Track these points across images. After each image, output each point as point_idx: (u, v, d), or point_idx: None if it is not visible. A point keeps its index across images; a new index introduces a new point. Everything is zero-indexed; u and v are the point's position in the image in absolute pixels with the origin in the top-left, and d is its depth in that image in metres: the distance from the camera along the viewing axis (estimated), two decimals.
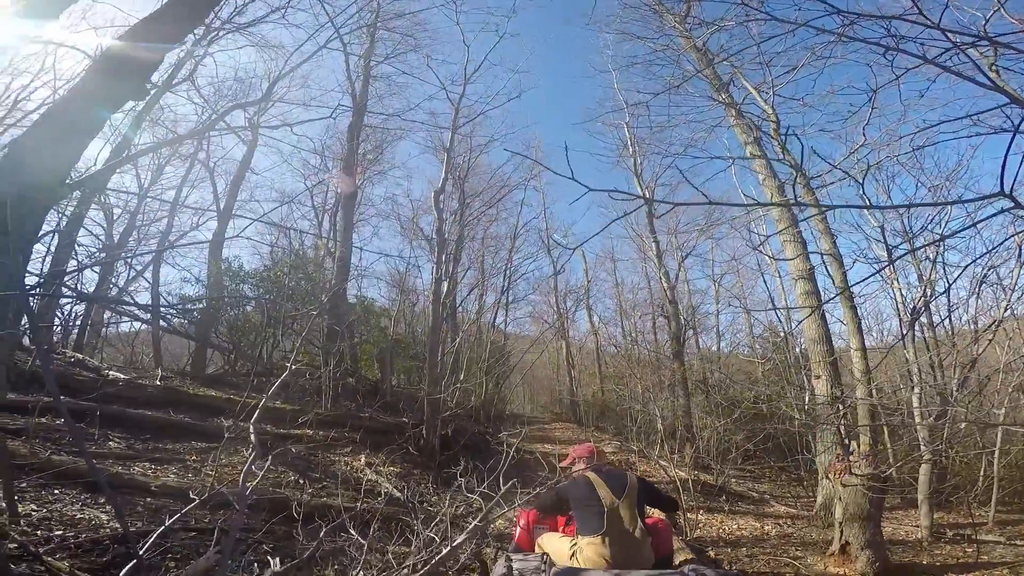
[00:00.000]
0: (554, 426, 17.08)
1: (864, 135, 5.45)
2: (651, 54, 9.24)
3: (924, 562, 5.30)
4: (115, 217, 11.25)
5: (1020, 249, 6.91)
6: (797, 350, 13.28)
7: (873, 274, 7.78)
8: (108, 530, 2.85)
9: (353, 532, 3.68)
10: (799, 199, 7.93)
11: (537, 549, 3.22)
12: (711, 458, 9.45)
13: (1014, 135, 1.94)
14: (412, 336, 14.25)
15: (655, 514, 3.33)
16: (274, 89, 10.25)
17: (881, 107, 5.13)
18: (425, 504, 5.48)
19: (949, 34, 2.33)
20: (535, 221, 21.04)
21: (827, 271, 8.26)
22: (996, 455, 6.87)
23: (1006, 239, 6.39)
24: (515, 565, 2.65)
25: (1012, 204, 1.88)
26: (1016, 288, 7.02)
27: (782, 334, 14.42)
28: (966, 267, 2.70)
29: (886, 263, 8.55)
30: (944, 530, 6.35)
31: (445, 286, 12.15)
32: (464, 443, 8.46)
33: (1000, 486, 6.82)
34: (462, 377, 10.95)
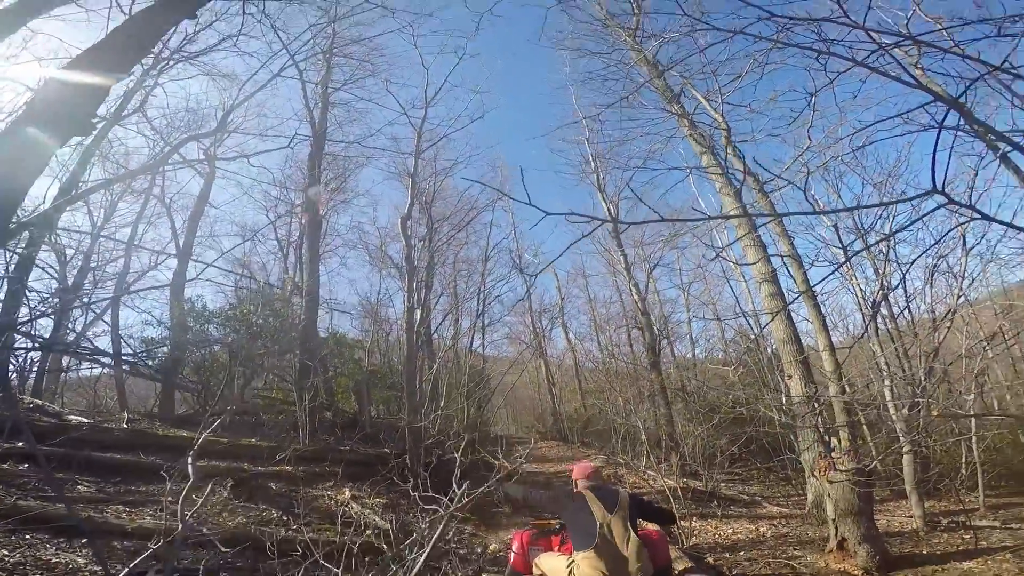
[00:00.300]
0: (540, 445, 16.89)
1: (809, 138, 5.72)
2: (605, 69, 9.56)
3: (924, 552, 5.32)
4: (68, 258, 10.69)
5: (963, 239, 7.35)
6: (769, 351, 13.58)
7: (830, 273, 8.12)
8: (86, 573, 2.66)
9: (331, 567, 3.52)
10: (754, 205, 8.26)
11: (535, 570, 3.20)
12: (698, 464, 9.47)
13: (939, 132, 2.07)
14: (388, 366, 13.96)
15: (648, 526, 3.34)
16: (229, 119, 10.12)
17: (822, 109, 5.40)
18: (412, 532, 5.28)
19: (874, 34, 2.50)
20: (506, 242, 21.18)
21: (788, 272, 8.55)
22: (974, 440, 7.04)
23: (950, 230, 6.75)
24: None
25: (946, 200, 1.99)
26: (966, 275, 7.41)
27: (752, 337, 14.75)
28: (915, 260, 2.87)
29: (842, 262, 8.94)
30: (938, 518, 6.41)
31: (418, 314, 12.02)
32: (450, 469, 8.23)
33: (983, 470, 6.97)
34: (442, 403, 10.73)
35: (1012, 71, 2.15)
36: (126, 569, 2.58)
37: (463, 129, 19.96)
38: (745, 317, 14.96)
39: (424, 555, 3.09)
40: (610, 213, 14.03)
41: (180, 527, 2.48)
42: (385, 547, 4.44)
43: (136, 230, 12.59)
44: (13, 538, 2.93)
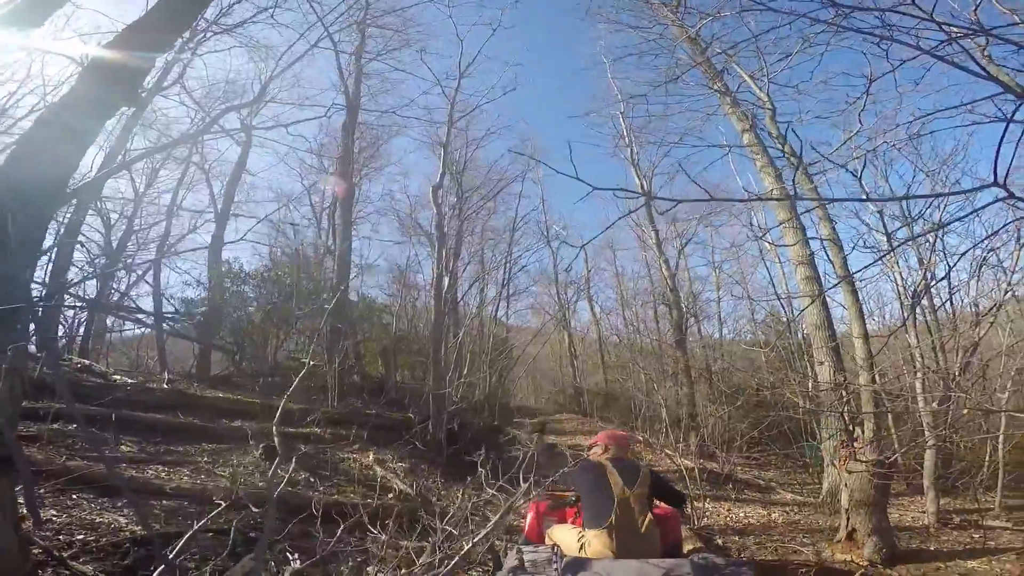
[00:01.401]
0: (559, 417, 17.17)
1: (860, 122, 5.44)
2: (644, 43, 9.20)
3: (931, 548, 5.30)
4: (112, 223, 11.19)
5: (1019, 233, 6.94)
6: (799, 336, 13.31)
7: (874, 262, 7.77)
8: (127, 533, 2.88)
9: (372, 529, 3.72)
10: (797, 187, 7.94)
11: (547, 541, 3.24)
12: (716, 446, 9.49)
13: (1007, 126, 1.95)
14: (414, 332, 14.27)
15: (662, 504, 3.34)
16: (267, 90, 10.21)
17: (875, 94, 5.12)
18: (435, 499, 5.52)
19: (943, 25, 2.34)
20: (534, 213, 21.02)
21: (827, 256, 8.28)
22: (1000, 440, 6.87)
23: (1005, 224, 6.36)
24: (526, 557, 2.61)
25: (1005, 194, 1.89)
26: (1016, 271, 7.04)
27: (784, 320, 14.46)
28: (965, 253, 2.72)
29: (887, 251, 8.56)
30: (951, 516, 6.34)
31: (446, 281, 12.16)
32: (471, 437, 8.51)
33: (1006, 471, 6.82)
34: (466, 371, 10.97)
35: None
36: (192, 528, 2.80)
37: (496, 101, 19.59)
38: (779, 299, 14.64)
39: (481, 536, 3.13)
40: (642, 188, 13.71)
41: (275, 493, 2.56)
42: (422, 513, 4.65)
43: (176, 196, 13.05)
44: (61, 498, 3.16)
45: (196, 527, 2.73)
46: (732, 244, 16.85)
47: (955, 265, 8.00)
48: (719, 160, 11.28)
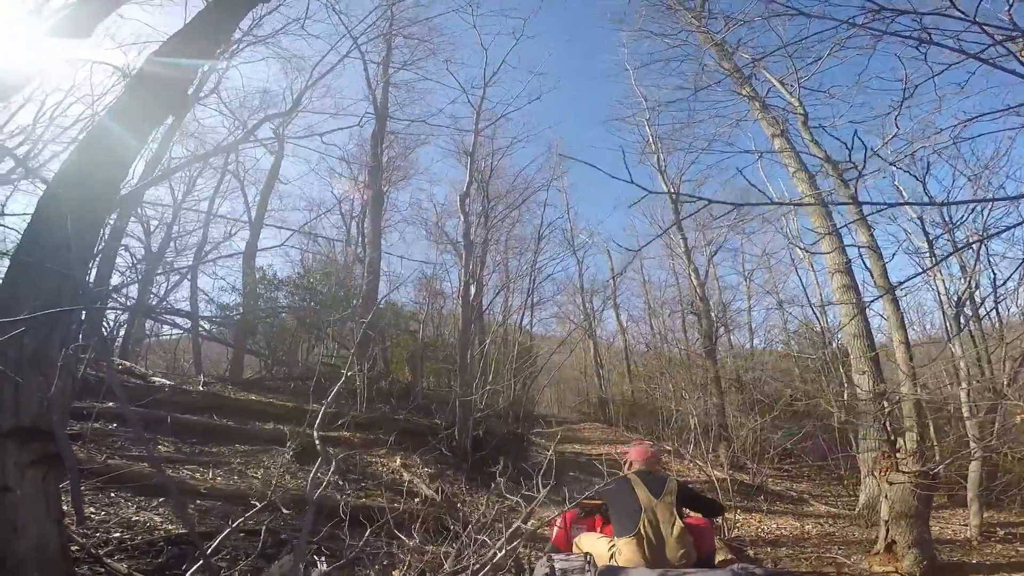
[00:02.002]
0: (583, 426, 17.00)
1: (897, 126, 5.29)
2: (668, 50, 9.18)
3: (974, 561, 5.16)
4: (152, 229, 11.67)
5: None
6: (834, 345, 12.91)
7: (917, 275, 7.48)
8: (162, 532, 2.97)
9: (400, 533, 3.76)
10: (832, 192, 7.77)
11: (575, 549, 3.20)
12: (747, 457, 9.27)
13: None
14: (440, 339, 14.38)
15: (694, 515, 3.27)
16: (300, 100, 10.56)
17: (915, 97, 4.98)
18: (459, 505, 5.54)
19: (987, 28, 2.27)
20: (560, 221, 21.01)
21: (864, 264, 8.03)
22: None
23: None
24: (557, 565, 2.58)
25: None
26: None
27: (817, 330, 14.06)
28: (1019, 266, 2.61)
29: (931, 266, 8.24)
30: (995, 529, 6.17)
31: (473, 288, 12.24)
32: (495, 444, 8.51)
33: None
34: (491, 379, 10.99)
35: None
36: (230, 526, 2.88)
37: (521, 109, 19.82)
38: (812, 308, 14.25)
39: (510, 544, 3.14)
40: (671, 197, 13.61)
41: (315, 496, 2.61)
42: (448, 518, 4.68)
43: (213, 203, 13.54)
44: (100, 496, 3.25)
45: (233, 525, 2.79)
46: (764, 252, 16.53)
47: (1006, 281, 7.69)
48: (749, 167, 11.12)
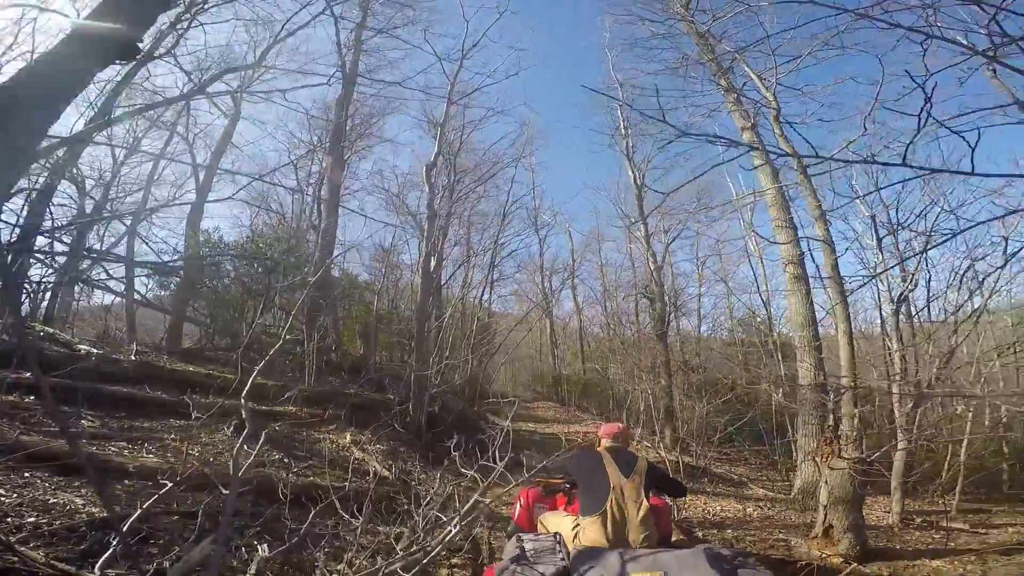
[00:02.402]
0: (537, 405, 17.20)
1: (865, 127, 5.41)
2: (652, 37, 9.08)
3: (897, 547, 5.49)
4: (87, 189, 10.58)
5: (1006, 242, 7.05)
6: (775, 334, 13.49)
7: (870, 279, 7.81)
8: (84, 515, 2.66)
9: (344, 514, 3.58)
10: (795, 188, 7.96)
11: (540, 528, 3.15)
12: (692, 440, 9.58)
13: None
14: (396, 312, 14.05)
15: (656, 496, 3.24)
16: (264, 57, 9.81)
17: (883, 98, 5.09)
18: (414, 483, 5.40)
19: (1001, 27, 2.23)
20: (525, 199, 20.83)
21: (811, 257, 8.32)
22: (964, 444, 7.08)
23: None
24: (527, 545, 2.53)
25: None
26: (992, 285, 7.19)
27: (762, 318, 14.62)
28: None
29: (881, 271, 8.66)
30: (912, 517, 6.57)
31: (434, 260, 11.94)
32: (451, 421, 8.40)
33: (964, 475, 7.06)
34: (448, 354, 10.83)
35: None
36: (141, 506, 2.62)
37: (497, 83, 19.35)
38: (760, 297, 14.78)
39: (456, 524, 3.05)
40: (636, 182, 13.68)
41: (239, 472, 2.39)
42: (401, 497, 4.53)
43: (157, 165, 12.46)
44: (12, 476, 2.91)
45: (146, 504, 2.54)
46: (719, 240, 16.95)
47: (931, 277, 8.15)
48: (714, 158, 11.25)
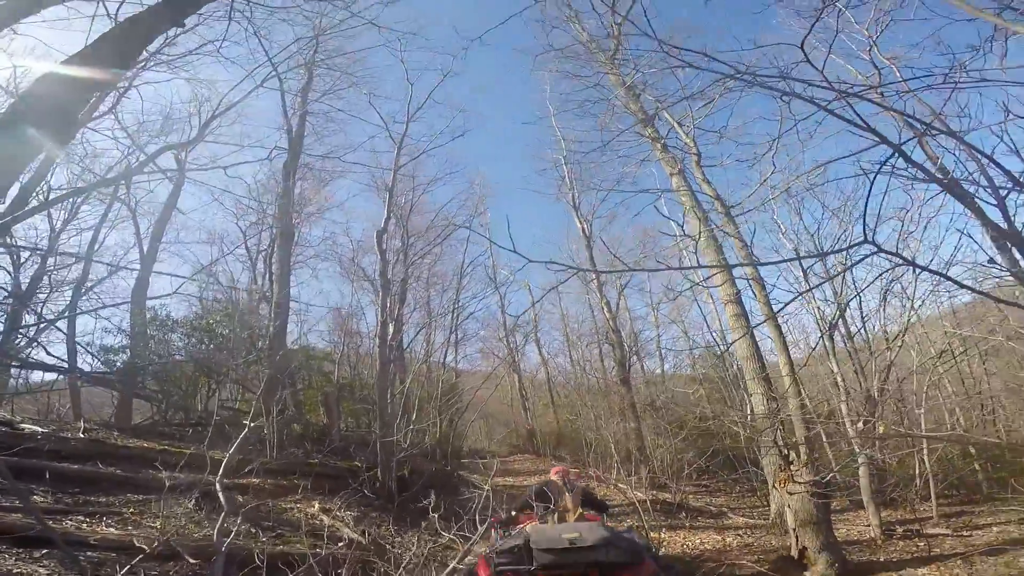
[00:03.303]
0: (513, 458, 16.82)
1: (773, 163, 6.09)
2: (584, 90, 9.88)
3: (881, 559, 5.55)
4: (22, 262, 10.11)
5: (913, 261, 7.82)
6: (734, 367, 13.96)
7: (791, 300, 8.45)
8: None
9: None
10: (721, 228, 8.62)
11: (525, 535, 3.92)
12: (667, 477, 9.62)
13: (871, 184, 2.31)
14: (359, 379, 13.75)
15: (590, 512, 4.67)
16: (207, 127, 9.95)
17: (786, 137, 5.81)
18: (389, 546, 5.23)
19: (834, 84, 2.78)
20: (482, 258, 21.23)
21: (752, 292, 8.89)
22: (925, 453, 7.35)
23: (877, 277, 7.03)
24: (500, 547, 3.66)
25: (875, 249, 2.22)
26: (915, 297, 7.86)
27: (718, 354, 15.16)
28: (862, 289, 3.08)
29: (803, 292, 9.33)
30: (894, 527, 6.65)
31: (391, 327, 11.92)
32: (423, 483, 8.18)
33: (936, 480, 7.28)
34: (414, 417, 10.64)
35: (940, 130, 2.44)
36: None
37: (444, 146, 20.16)
38: (712, 334, 15.38)
39: None
40: (584, 232, 14.35)
41: (223, 546, 2.39)
42: (376, 560, 4.40)
43: (98, 235, 12.01)
44: None
45: (122, 573, 2.46)
46: (667, 286, 17.72)
47: (859, 295, 8.90)
48: (651, 204, 12.07)
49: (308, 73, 12.33)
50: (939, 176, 3.01)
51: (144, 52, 6.76)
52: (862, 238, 2.16)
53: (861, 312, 10.12)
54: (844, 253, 8.25)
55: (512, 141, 45.92)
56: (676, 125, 8.39)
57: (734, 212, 8.00)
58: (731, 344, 10.42)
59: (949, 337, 9.07)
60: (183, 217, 13.71)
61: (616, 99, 8.92)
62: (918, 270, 7.79)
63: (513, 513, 4.70)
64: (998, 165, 2.44)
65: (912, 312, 7.94)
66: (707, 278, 9.70)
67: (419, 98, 13.11)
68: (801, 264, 10.54)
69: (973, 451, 8.42)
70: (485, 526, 3.97)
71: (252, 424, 6.09)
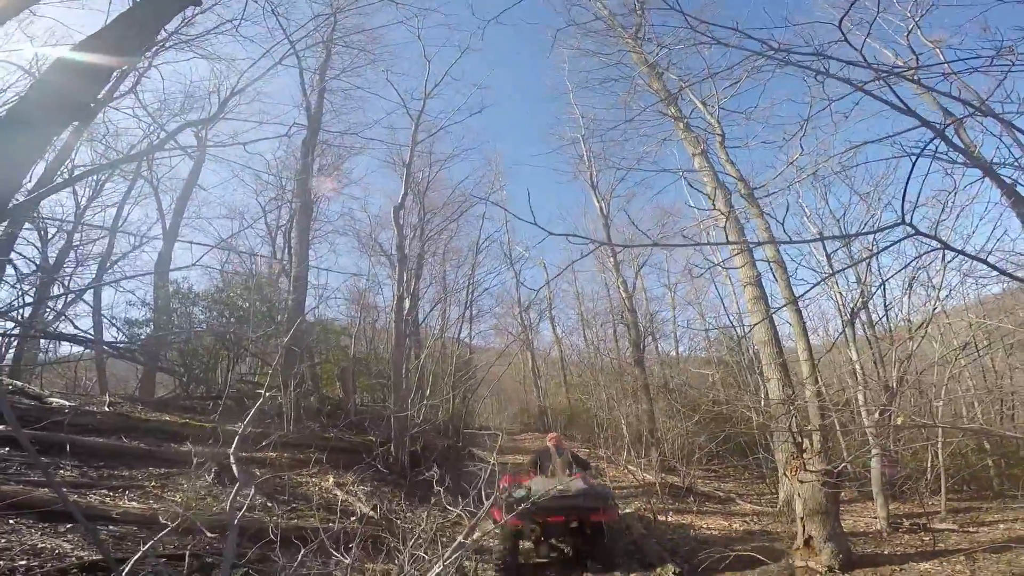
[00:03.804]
0: (523, 436, 17.06)
1: (802, 147, 5.87)
2: (604, 68, 9.60)
3: (885, 552, 5.53)
4: (49, 237, 10.40)
5: (943, 253, 7.57)
6: (750, 352, 13.81)
7: (813, 286, 8.24)
8: (73, 559, 2.66)
9: (336, 553, 3.58)
10: (744, 211, 8.40)
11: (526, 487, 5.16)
12: (676, 460, 9.66)
13: (913, 165, 2.18)
14: (374, 354, 13.96)
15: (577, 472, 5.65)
16: (226, 105, 9.94)
17: (815, 119, 5.59)
18: (399, 521, 5.37)
19: (873, 64, 2.62)
20: (497, 234, 21.16)
21: (773, 276, 8.71)
22: (939, 446, 7.22)
23: (913, 259, 6.82)
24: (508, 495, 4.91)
25: (912, 231, 2.11)
26: (943, 287, 7.63)
27: (735, 338, 14.99)
28: (890, 277, 2.98)
29: (824, 277, 9.11)
30: (901, 520, 6.61)
31: (407, 302, 12.02)
32: (434, 459, 8.34)
33: (947, 475, 7.17)
34: (428, 392, 10.80)
35: (988, 113, 2.27)
36: (141, 549, 2.61)
37: (461, 123, 19.90)
38: (728, 317, 15.20)
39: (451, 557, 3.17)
40: (602, 212, 14.15)
41: (236, 519, 2.48)
42: (387, 535, 4.53)
43: (122, 211, 12.30)
44: None
45: (145, 547, 2.56)
46: (686, 265, 17.48)
47: (884, 284, 8.66)
48: (672, 184, 11.80)
49: (326, 51, 12.23)
50: (981, 161, 2.87)
51: (163, 32, 6.75)
52: (895, 220, 2.06)
53: (885, 300, 9.89)
54: (872, 237, 8.08)
55: (530, 119, 45.18)
56: (700, 105, 8.12)
57: (758, 194, 7.79)
58: (750, 329, 10.28)
59: (974, 329, 8.80)
60: (204, 193, 13.89)
61: (638, 77, 8.64)
62: (947, 257, 7.63)
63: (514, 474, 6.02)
64: None
65: (938, 302, 7.72)
66: (727, 259, 9.54)
67: (436, 75, 12.87)
68: (825, 248, 10.31)
69: (988, 446, 8.26)
70: (492, 498, 4.17)
71: (268, 395, 6.27)
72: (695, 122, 8.57)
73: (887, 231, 2.40)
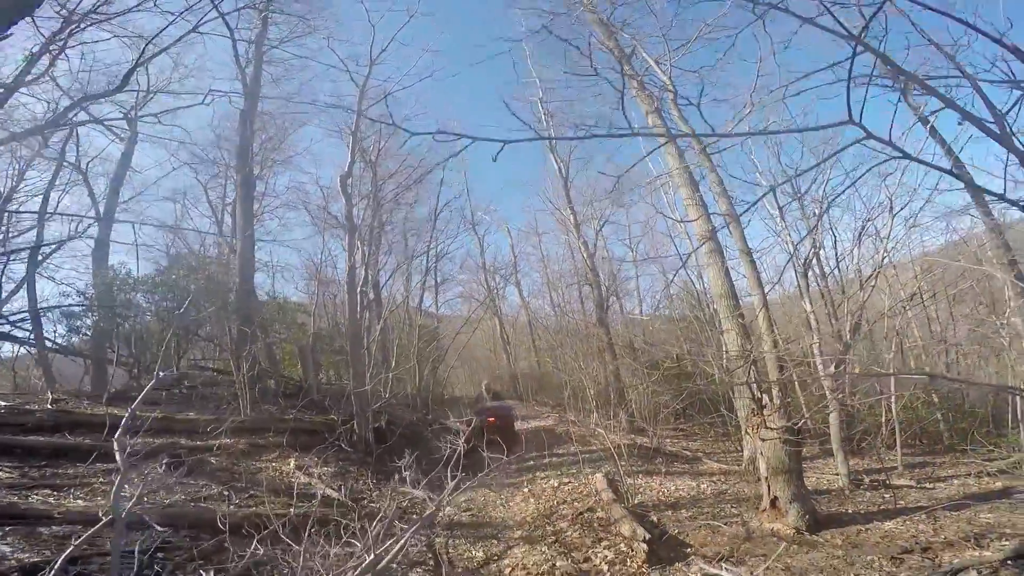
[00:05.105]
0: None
1: (751, 101, 5.80)
2: (557, 27, 9.21)
3: (849, 511, 5.51)
4: None
5: (890, 203, 7.73)
6: (710, 307, 14.07)
7: (751, 206, 8.27)
8: (14, 561, 2.58)
9: (287, 540, 3.46)
10: (698, 166, 8.38)
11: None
12: (644, 421, 9.77)
13: (851, 64, 2.09)
14: (336, 329, 13.63)
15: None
16: (141, 79, 9.18)
17: (766, 75, 5.55)
18: (365, 501, 5.28)
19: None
20: (457, 201, 20.70)
21: (729, 231, 8.76)
22: (893, 400, 7.34)
23: (869, 167, 6.88)
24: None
25: (863, 134, 2.03)
26: (890, 238, 7.83)
27: (695, 293, 15.25)
28: (838, 194, 2.93)
29: (767, 189, 9.19)
30: (861, 476, 6.65)
31: (362, 272, 11.69)
32: (401, 433, 8.26)
33: (901, 429, 7.36)
34: (393, 364, 10.64)
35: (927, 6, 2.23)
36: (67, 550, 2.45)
37: (411, 88, 19.04)
38: (687, 271, 15.37)
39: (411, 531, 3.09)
40: (560, 172, 13.96)
41: (122, 512, 2.34)
42: (346, 518, 4.42)
43: (48, 198, 11.36)
44: None
45: (72, 546, 2.43)
46: (646, 223, 17.51)
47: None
48: (629, 142, 11.63)
49: (262, 21, 11.66)
50: (926, 82, 2.84)
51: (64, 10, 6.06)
52: (842, 118, 1.98)
53: (836, 252, 10.16)
54: (828, 133, 7.91)
55: (487, 84, 43.82)
56: (653, 63, 7.94)
57: (709, 149, 7.73)
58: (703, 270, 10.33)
59: (920, 279, 9.10)
60: (142, 176, 12.96)
61: (593, 37, 8.35)
62: (895, 211, 7.82)
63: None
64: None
65: (885, 254, 7.91)
66: (686, 219, 9.51)
67: (383, 41, 12.26)
68: (776, 198, 10.47)
69: (936, 400, 8.54)
70: (457, 478, 4.09)
71: (215, 372, 5.92)
72: (648, 81, 8.43)
73: (836, 127, 2.31)
